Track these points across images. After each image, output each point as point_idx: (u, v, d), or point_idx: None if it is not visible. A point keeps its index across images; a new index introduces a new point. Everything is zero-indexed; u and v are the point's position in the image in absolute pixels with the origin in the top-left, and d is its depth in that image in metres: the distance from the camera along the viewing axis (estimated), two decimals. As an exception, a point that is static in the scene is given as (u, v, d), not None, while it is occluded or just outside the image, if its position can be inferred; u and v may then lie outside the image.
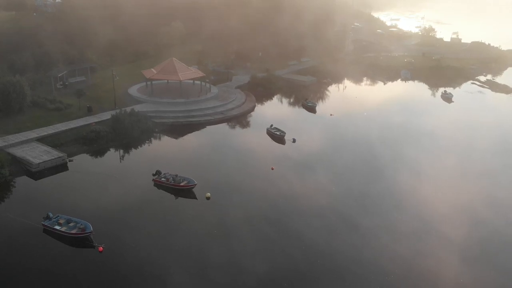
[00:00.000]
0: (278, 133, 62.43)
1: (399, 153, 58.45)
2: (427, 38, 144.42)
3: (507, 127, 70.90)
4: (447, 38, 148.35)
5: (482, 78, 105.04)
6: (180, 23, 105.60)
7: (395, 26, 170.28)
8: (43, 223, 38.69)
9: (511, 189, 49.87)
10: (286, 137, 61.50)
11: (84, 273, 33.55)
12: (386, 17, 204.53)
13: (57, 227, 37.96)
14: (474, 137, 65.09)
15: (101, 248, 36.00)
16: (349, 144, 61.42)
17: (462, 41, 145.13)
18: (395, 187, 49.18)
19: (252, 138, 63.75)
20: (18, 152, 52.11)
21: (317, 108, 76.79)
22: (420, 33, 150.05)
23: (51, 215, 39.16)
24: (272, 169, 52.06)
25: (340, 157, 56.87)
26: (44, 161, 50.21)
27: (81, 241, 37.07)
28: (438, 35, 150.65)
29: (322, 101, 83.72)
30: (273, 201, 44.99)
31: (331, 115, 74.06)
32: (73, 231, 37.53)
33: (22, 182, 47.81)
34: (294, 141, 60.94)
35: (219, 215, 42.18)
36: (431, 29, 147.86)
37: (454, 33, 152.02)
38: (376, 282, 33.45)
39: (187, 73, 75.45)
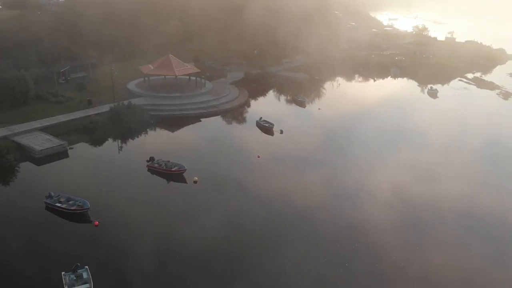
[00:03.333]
0: (266, 125, 66.25)
1: (373, 142, 62.81)
2: (421, 37, 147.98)
3: (484, 120, 74.61)
4: (442, 38, 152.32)
5: (470, 75, 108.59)
6: (178, 22, 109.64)
7: (391, 26, 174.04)
8: (45, 201, 42.76)
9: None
10: (274, 129, 65.31)
11: (81, 244, 37.56)
12: (384, 17, 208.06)
13: (58, 204, 42.03)
14: (450, 129, 69.15)
15: (96, 223, 40.10)
16: (331, 135, 65.49)
17: (457, 40, 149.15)
18: (361, 168, 53.90)
19: (242, 129, 67.88)
20: (22, 140, 56.25)
21: (306, 103, 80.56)
22: (414, 32, 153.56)
23: (52, 194, 43.21)
24: (258, 157, 55.94)
25: (321, 145, 61.08)
26: (46, 148, 54.37)
27: (79, 217, 41.13)
28: (435, 35, 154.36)
29: (312, 96, 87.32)
30: (255, 184, 48.99)
31: (319, 109, 77.93)
32: (72, 208, 41.56)
33: (26, 167, 51.93)
34: (281, 132, 64.76)
35: (204, 195, 46.28)
36: (425, 28, 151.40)
37: (449, 32, 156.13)
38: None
39: (183, 69, 79.29)
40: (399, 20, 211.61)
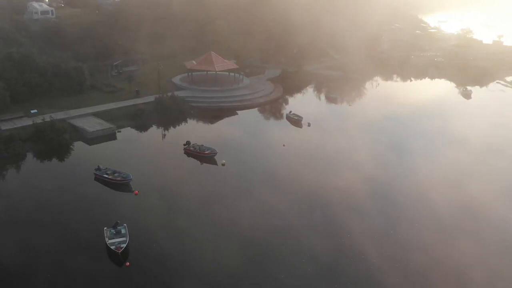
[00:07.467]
0: (295, 117, 70.91)
1: (396, 136, 66.27)
2: (465, 39, 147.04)
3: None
4: (489, 41, 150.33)
5: (510, 78, 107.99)
6: (224, 21, 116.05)
7: (437, 28, 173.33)
8: (94, 172, 50.10)
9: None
10: (302, 122, 69.90)
11: (122, 207, 44.64)
12: (433, 18, 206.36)
13: (105, 176, 49.17)
14: (476, 129, 70.77)
15: (136, 192, 47.13)
16: (357, 129, 68.94)
17: (505, 44, 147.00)
18: (374, 161, 57.23)
19: (272, 121, 73.43)
20: (77, 122, 64.41)
21: (338, 100, 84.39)
22: (458, 34, 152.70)
23: (101, 167, 50.37)
24: (284, 146, 60.88)
25: (345, 138, 65.30)
26: (97, 130, 62.37)
27: (122, 186, 48.19)
28: (481, 37, 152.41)
29: (345, 93, 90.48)
30: (276, 168, 54.06)
31: (349, 105, 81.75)
32: (117, 179, 48.51)
33: (79, 145, 60.12)
34: (309, 125, 69.26)
35: (229, 176, 52.53)
36: (469, 31, 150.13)
37: (498, 36, 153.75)
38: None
39: (223, 65, 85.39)
40: (447, 22, 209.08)
